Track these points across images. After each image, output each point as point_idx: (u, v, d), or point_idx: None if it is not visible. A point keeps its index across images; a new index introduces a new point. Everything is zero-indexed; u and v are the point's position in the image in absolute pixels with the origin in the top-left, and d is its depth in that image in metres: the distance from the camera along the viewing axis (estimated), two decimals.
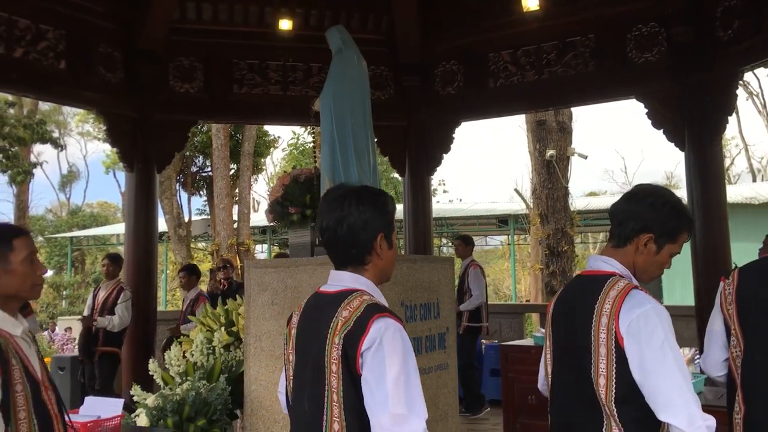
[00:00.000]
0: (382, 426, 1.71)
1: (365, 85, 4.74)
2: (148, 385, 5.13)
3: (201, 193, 21.11)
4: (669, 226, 2.14)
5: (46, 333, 16.25)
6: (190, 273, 7.48)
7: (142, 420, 4.43)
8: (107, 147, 22.07)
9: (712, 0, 6.14)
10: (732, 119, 6.31)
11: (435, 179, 8.50)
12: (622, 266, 2.15)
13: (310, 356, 1.89)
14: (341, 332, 1.80)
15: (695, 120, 6.26)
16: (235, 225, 16.89)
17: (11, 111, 19.74)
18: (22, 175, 20.93)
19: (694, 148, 6.33)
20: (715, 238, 6.16)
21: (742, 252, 6.88)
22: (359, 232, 1.91)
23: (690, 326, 6.44)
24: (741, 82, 8.77)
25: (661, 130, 6.51)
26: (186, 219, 19.17)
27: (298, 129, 21.62)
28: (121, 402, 3.79)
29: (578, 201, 16.82)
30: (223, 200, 16.21)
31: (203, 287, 17.07)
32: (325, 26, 6.23)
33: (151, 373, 4.99)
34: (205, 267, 21.23)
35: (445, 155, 8.06)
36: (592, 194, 27.24)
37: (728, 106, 6.20)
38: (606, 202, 19.92)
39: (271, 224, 5.38)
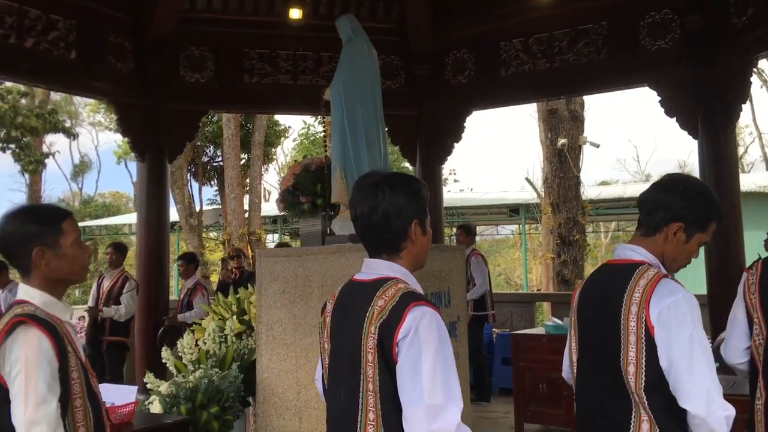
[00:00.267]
0: (420, 416, 1.70)
1: (376, 74, 4.73)
2: (161, 373, 5.17)
3: (212, 182, 21.17)
4: (700, 216, 2.14)
5: None
6: (188, 261, 7.40)
7: (155, 407, 4.48)
8: (119, 137, 22.17)
9: None
10: (746, 107, 6.25)
11: (446, 169, 8.51)
12: (651, 255, 2.14)
13: (346, 345, 1.89)
14: (377, 321, 1.79)
15: (709, 108, 6.20)
16: (246, 214, 16.95)
17: (23, 101, 19.83)
18: (34, 164, 21.05)
19: (708, 136, 6.27)
20: (728, 226, 6.09)
21: (755, 241, 6.85)
22: (393, 219, 1.89)
23: (702, 315, 6.40)
24: (755, 69, 8.69)
25: (674, 119, 6.46)
26: (197, 209, 19.25)
27: (309, 119, 21.60)
28: (135, 389, 3.83)
29: (590, 190, 16.75)
30: (234, 190, 16.26)
31: (214, 277, 17.19)
32: (335, 15, 6.21)
33: (164, 361, 5.04)
34: (216, 256, 21.34)
35: (456, 144, 8.04)
36: (603, 183, 27.11)
37: (742, 93, 6.14)
38: (618, 191, 19.84)
39: (282, 213, 5.39)
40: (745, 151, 27.58)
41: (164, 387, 4.59)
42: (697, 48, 6.30)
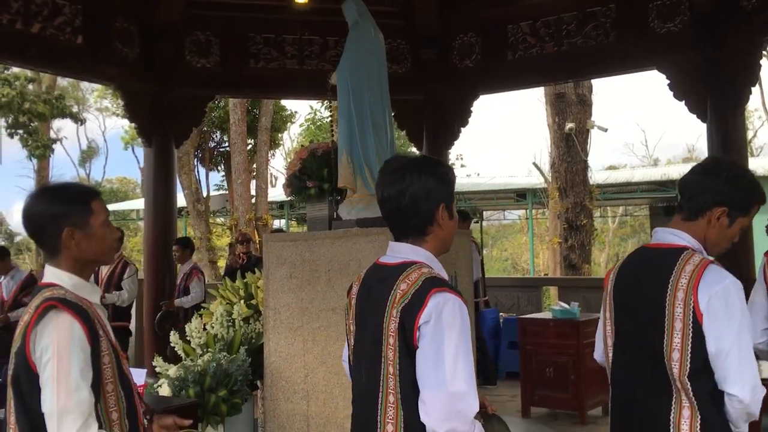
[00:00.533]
0: (440, 402, 1.71)
1: (382, 58, 4.71)
2: (176, 355, 5.20)
3: (219, 168, 21.19)
4: (743, 200, 2.11)
5: None
6: (183, 246, 7.25)
7: (164, 390, 4.52)
8: (126, 123, 22.16)
9: None
10: (755, 90, 6.20)
11: (452, 154, 8.48)
12: (694, 240, 2.11)
13: (369, 327, 1.90)
14: (399, 305, 1.79)
15: (718, 91, 6.16)
16: (253, 200, 16.97)
17: (30, 87, 19.84)
18: (42, 150, 21.09)
19: (717, 119, 6.24)
20: None
21: (763, 225, 6.81)
22: (421, 202, 1.88)
23: None
24: (764, 52, 8.60)
25: (683, 102, 6.42)
26: (204, 194, 19.28)
27: (315, 104, 21.55)
28: (144, 372, 3.86)
29: (597, 175, 16.68)
30: (240, 175, 16.27)
31: (222, 262, 17.25)
32: None
33: (172, 344, 5.07)
34: (223, 242, 21.41)
35: (462, 129, 8.01)
36: (611, 168, 26.95)
37: (751, 76, 6.10)
38: (625, 175, 19.76)
39: (289, 198, 5.40)
40: (755, 135, 27.37)
41: (173, 370, 4.63)
42: (706, 30, 6.25)
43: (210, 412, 4.45)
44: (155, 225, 7.47)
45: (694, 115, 6.41)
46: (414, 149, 9.49)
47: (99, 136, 54.91)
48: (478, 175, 25.97)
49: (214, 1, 7.58)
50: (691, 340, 1.96)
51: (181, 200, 15.81)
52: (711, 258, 2.07)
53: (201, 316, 5.43)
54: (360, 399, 1.96)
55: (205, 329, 5.13)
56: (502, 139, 55.84)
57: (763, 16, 5.78)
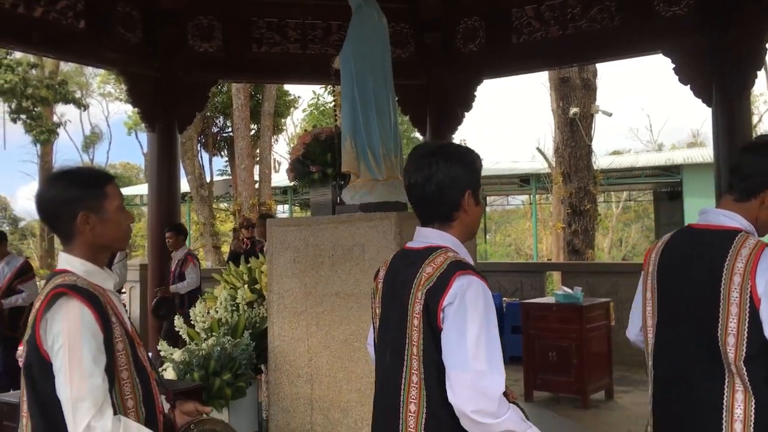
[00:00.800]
0: (464, 380, 1.73)
1: (386, 43, 4.69)
2: (172, 341, 5.24)
3: (222, 153, 21.19)
4: None
5: None
6: (177, 233, 7.22)
7: (168, 374, 4.55)
8: (129, 108, 22.14)
9: None
10: (760, 75, 6.15)
11: (456, 139, 8.43)
12: (746, 221, 2.08)
13: (394, 310, 1.93)
14: (424, 287, 1.83)
15: (723, 75, 6.12)
16: (257, 185, 16.98)
17: (33, 72, 19.82)
18: (46, 134, 21.09)
19: (722, 103, 6.20)
20: None
21: None
22: (447, 189, 1.91)
23: None
24: None
25: (689, 86, 6.38)
26: (208, 179, 19.29)
27: (318, 89, 21.50)
28: (149, 355, 3.87)
29: (602, 159, 16.64)
30: (244, 160, 16.27)
31: (225, 248, 17.29)
32: None
33: (177, 329, 5.10)
34: (227, 227, 21.45)
35: (466, 113, 7.97)
36: (615, 153, 26.92)
37: (757, 60, 6.06)
38: (630, 160, 19.71)
39: (292, 184, 5.40)
40: (760, 120, 27.21)
41: (177, 354, 4.65)
42: (712, 13, 6.20)
43: (214, 395, 4.48)
44: (159, 210, 7.48)
45: (700, 100, 6.37)
46: (417, 134, 9.47)
47: (102, 122, 54.97)
48: (482, 160, 25.89)
49: None
50: (747, 325, 1.92)
51: (184, 185, 15.81)
52: (766, 241, 2.03)
53: (205, 300, 5.45)
54: (383, 379, 1.99)
55: (209, 313, 5.15)
56: (505, 124, 55.68)
57: None
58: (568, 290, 6.54)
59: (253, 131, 18.18)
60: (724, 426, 1.96)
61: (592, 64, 11.75)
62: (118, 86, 25.27)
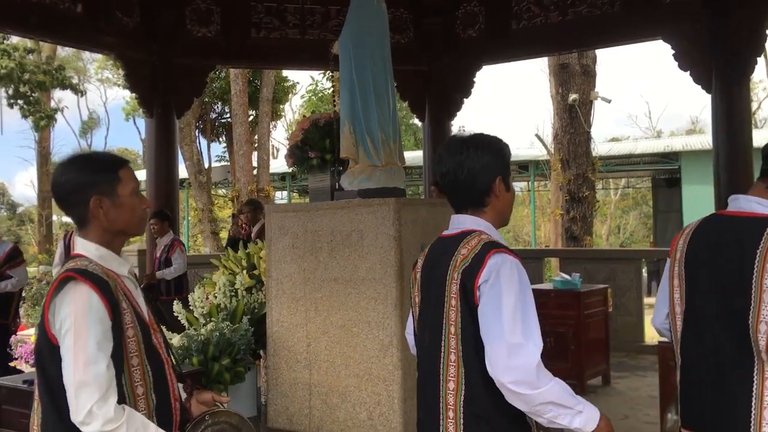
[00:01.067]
0: (500, 353, 1.79)
1: (385, 28, 4.67)
2: (170, 326, 5.24)
3: (220, 139, 21.11)
4: None
5: None
6: (161, 219, 7.12)
7: None
8: (127, 93, 22.05)
9: None
10: (760, 62, 6.14)
11: (455, 125, 8.40)
12: None
13: (432, 293, 2.00)
14: (460, 268, 1.90)
15: (723, 61, 6.10)
16: (255, 171, 16.94)
17: (30, 57, 19.70)
18: (45, 120, 20.99)
19: (721, 90, 6.18)
20: (739, 182, 6.06)
21: None
22: (479, 175, 1.99)
23: None
24: None
25: (688, 72, 6.36)
26: (206, 165, 19.25)
27: (317, 75, 21.41)
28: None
29: (600, 146, 16.62)
30: (242, 147, 16.22)
31: (224, 234, 17.30)
32: None
33: (176, 314, 5.11)
34: (225, 213, 21.43)
35: (465, 100, 7.95)
36: (614, 140, 26.85)
37: (757, 46, 6.04)
38: (628, 147, 19.67)
39: (291, 170, 5.39)
40: (758, 107, 27.20)
41: (176, 339, 4.67)
42: (713, 0, 6.17)
43: (213, 380, 4.50)
44: (157, 196, 7.47)
45: (699, 86, 6.35)
46: (416, 120, 9.44)
47: (100, 107, 54.75)
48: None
49: None
50: None
51: (182, 172, 15.79)
52: None
53: (204, 286, 5.46)
54: (423, 361, 2.05)
55: (208, 299, 5.16)
56: (504, 110, 55.54)
57: None
58: (566, 276, 6.56)
59: (252, 117, 18.12)
60: (753, 413, 1.96)
61: (592, 50, 11.72)
62: (116, 71, 25.16)
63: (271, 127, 19.40)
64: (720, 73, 6.15)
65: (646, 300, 9.07)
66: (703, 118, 33.30)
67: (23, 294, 9.99)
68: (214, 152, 21.79)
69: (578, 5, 6.97)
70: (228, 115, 19.01)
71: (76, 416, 1.69)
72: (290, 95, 22.65)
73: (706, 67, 6.24)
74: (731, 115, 6.13)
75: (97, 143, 35.81)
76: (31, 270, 14.36)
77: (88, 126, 34.63)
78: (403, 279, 4.10)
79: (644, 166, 18.83)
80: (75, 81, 23.73)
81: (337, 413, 4.32)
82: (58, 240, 15.71)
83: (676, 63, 6.41)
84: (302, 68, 15.23)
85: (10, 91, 19.23)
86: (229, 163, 19.63)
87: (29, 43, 19.08)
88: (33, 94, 19.74)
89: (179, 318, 5.07)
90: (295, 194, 22.82)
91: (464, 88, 7.88)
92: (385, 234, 4.13)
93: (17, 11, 6.11)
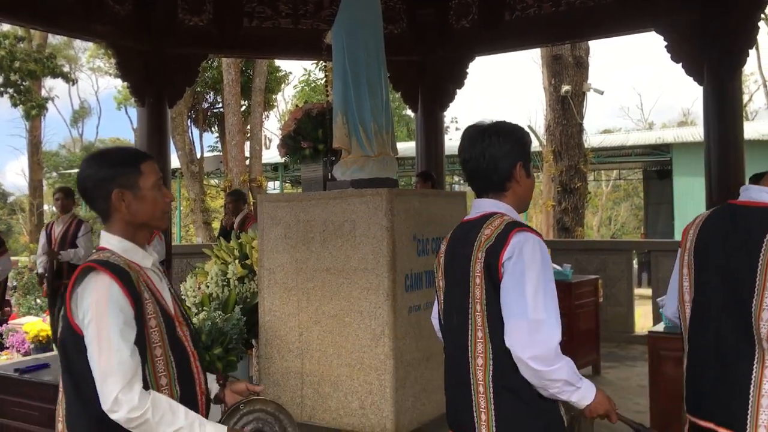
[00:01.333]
0: (522, 329, 1.83)
1: (378, 18, 4.66)
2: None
3: (213, 129, 21.04)
4: None
5: None
6: (66, 195, 6.90)
7: None
8: (119, 83, 21.92)
9: None
10: (751, 54, 6.16)
11: (447, 117, 8.41)
12: None
13: (457, 274, 2.05)
14: (484, 247, 1.94)
15: (715, 53, 6.12)
16: (247, 161, 16.90)
17: (21, 45, 19.53)
18: (36, 109, 20.85)
19: (713, 82, 6.21)
20: (730, 175, 6.11)
21: None
22: (500, 161, 2.04)
23: None
24: (762, 14, 8.52)
25: (680, 64, 6.38)
26: (198, 155, 19.18)
27: (309, 65, 21.34)
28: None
29: (592, 138, 16.65)
30: (234, 137, 16.17)
31: (216, 224, 17.26)
32: None
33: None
34: (217, 203, 21.39)
35: (458, 90, 7.96)
36: (606, 131, 26.90)
37: (749, 38, 6.05)
38: (620, 139, 19.70)
39: (283, 160, 5.38)
40: (750, 99, 27.31)
41: None
42: None
43: (205, 369, 4.50)
44: None
45: (691, 78, 6.37)
46: (409, 111, 9.43)
47: (92, 96, 54.42)
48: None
49: None
50: None
51: (174, 161, 15.74)
52: None
53: (196, 275, 5.46)
54: (451, 340, 2.09)
55: (200, 288, 5.16)
56: (497, 101, 55.54)
57: None
58: (558, 267, 6.58)
59: (244, 107, 18.05)
60: (750, 400, 2.00)
61: (585, 41, 11.73)
62: (108, 60, 24.99)
63: (263, 117, 19.34)
64: (712, 66, 6.17)
65: (637, 291, 9.14)
66: (694, 110, 33.47)
67: (15, 283, 9.94)
68: (207, 142, 21.76)
69: None
70: (220, 105, 18.93)
71: (104, 404, 1.73)
72: (283, 85, 22.58)
73: (698, 60, 6.26)
74: (723, 108, 6.15)
75: (89, 132, 35.66)
76: (23, 259, 14.31)
77: (80, 115, 34.42)
78: (395, 269, 4.11)
79: (636, 157, 18.86)
80: (66, 70, 23.59)
81: (329, 402, 4.35)
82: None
83: (669, 54, 6.43)
84: (295, 58, 15.14)
85: (1, 80, 19.07)
86: (221, 153, 19.56)
87: (20, 31, 18.89)
88: (24, 83, 19.57)
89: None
90: (287, 184, 22.78)
91: (457, 79, 7.88)
92: (378, 224, 4.14)
93: None
